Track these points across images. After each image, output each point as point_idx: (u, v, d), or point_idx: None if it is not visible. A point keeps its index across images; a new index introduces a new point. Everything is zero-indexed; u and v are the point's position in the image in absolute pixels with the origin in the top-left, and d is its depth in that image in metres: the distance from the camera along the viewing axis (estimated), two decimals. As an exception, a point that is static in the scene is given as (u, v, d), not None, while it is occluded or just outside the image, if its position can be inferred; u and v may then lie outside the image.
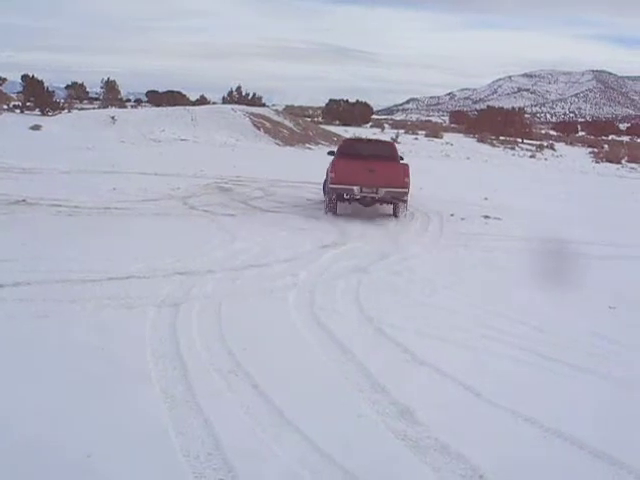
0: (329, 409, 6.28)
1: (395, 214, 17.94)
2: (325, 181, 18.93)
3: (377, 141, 22.01)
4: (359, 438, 5.78)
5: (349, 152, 18.47)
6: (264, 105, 75.92)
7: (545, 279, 11.57)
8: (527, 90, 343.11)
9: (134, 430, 5.63)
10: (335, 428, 5.88)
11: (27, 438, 5.40)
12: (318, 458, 5.35)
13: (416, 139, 66.92)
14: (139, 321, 8.25)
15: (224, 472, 5.11)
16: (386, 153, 18.60)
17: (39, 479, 4.93)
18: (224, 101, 78.01)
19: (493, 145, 65.98)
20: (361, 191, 17.19)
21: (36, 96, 77.33)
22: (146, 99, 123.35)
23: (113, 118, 48.19)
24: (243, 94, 79.98)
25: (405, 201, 17.62)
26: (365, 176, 17.09)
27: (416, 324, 8.77)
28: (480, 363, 7.67)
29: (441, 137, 71.69)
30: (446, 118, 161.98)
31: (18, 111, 74.88)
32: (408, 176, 17.14)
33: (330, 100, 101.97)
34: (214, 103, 79.99)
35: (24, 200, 16.44)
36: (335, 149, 19.38)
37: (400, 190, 17.17)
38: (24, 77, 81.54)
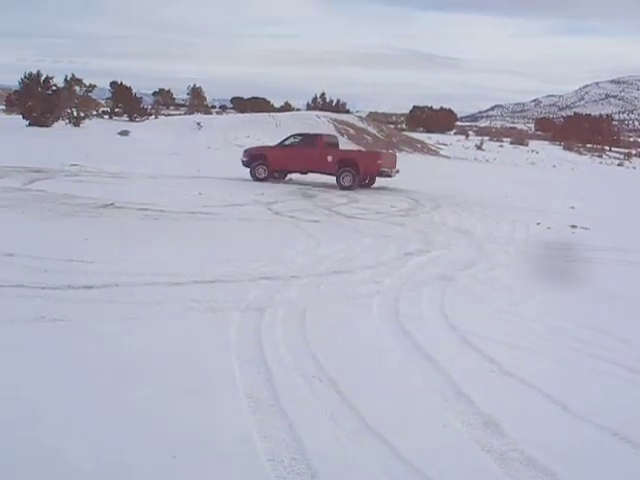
0: (413, 417, 6.21)
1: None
2: None
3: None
4: (443, 448, 5.69)
5: None
6: (348, 112, 75.96)
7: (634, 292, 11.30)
8: (615, 97, 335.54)
9: (218, 433, 5.66)
10: (419, 437, 5.80)
11: (115, 438, 5.48)
12: (401, 467, 5.28)
13: (501, 146, 66.22)
14: (224, 325, 8.32)
15: (307, 477, 5.08)
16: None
17: (125, 476, 5.00)
18: (308, 107, 78.38)
19: (580, 153, 64.82)
20: None
21: (124, 102, 78.99)
22: (231, 105, 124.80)
23: (199, 124, 48.96)
24: (327, 101, 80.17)
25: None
26: None
27: (501, 334, 8.63)
28: (566, 375, 7.50)
29: (526, 144, 70.80)
30: (531, 125, 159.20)
31: (107, 117, 76.60)
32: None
33: (414, 107, 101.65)
34: (298, 110, 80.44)
35: (112, 204, 16.80)
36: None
37: None
38: (113, 84, 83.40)
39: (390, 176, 25.11)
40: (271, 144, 28.46)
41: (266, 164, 25.57)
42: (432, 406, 6.48)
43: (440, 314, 9.37)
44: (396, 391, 6.79)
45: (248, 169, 25.92)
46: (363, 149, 27.60)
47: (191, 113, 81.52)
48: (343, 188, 24.23)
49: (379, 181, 25.80)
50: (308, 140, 26.40)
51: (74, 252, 11.40)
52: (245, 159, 26.20)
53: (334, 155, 25.22)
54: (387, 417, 6.08)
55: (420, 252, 13.40)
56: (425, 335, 8.40)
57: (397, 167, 25.85)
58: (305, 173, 26.30)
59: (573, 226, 17.92)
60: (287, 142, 26.44)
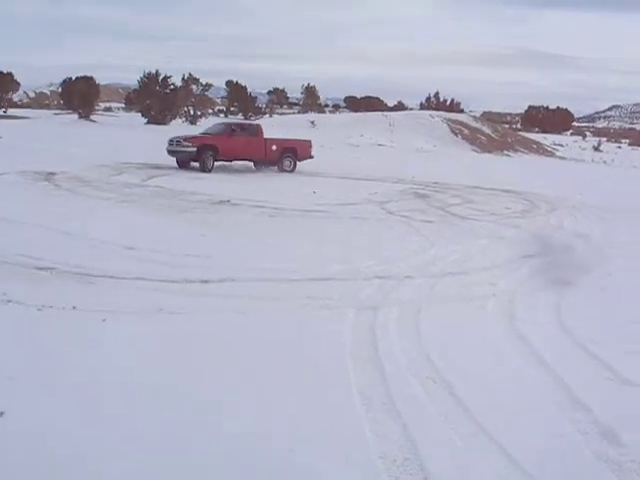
0: (529, 424, 6.09)
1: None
2: None
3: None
4: (559, 457, 5.56)
5: None
6: (462, 111, 75.08)
7: None
8: None
9: (332, 429, 5.69)
10: (535, 445, 5.68)
11: (238, 426, 5.58)
12: (518, 475, 5.19)
13: (619, 147, 64.39)
14: (339, 322, 8.36)
15: (420, 478, 5.06)
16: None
17: (248, 465, 5.08)
18: (422, 107, 77.78)
19: None
20: None
21: (239, 101, 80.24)
22: (344, 104, 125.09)
23: (313, 123, 49.32)
24: (441, 100, 79.45)
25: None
26: None
27: (622, 342, 8.34)
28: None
29: (646, 146, 68.64)
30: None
31: (222, 115, 77.95)
32: None
33: (529, 107, 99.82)
34: (411, 109, 79.97)
35: (228, 201, 17.11)
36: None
37: None
38: (228, 83, 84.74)
39: (312, 157, 27.84)
40: (195, 134, 28.51)
41: (216, 154, 25.57)
42: (548, 413, 6.34)
43: (557, 319, 9.16)
44: (509, 396, 6.68)
45: (176, 158, 25.80)
46: (290, 138, 28.79)
47: (305, 112, 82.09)
48: (283, 171, 26.68)
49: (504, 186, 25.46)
50: (251, 130, 27.78)
51: (191, 247, 11.67)
52: (188, 149, 25.31)
53: (277, 144, 27.14)
54: (502, 422, 5.98)
55: (537, 255, 13.13)
56: (541, 339, 8.22)
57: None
58: (246, 160, 27.19)
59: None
60: (219, 130, 27.40)
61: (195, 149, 25.11)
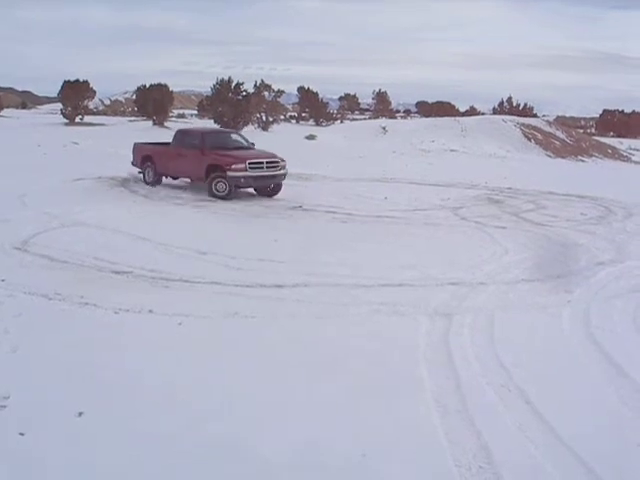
0: (606, 434, 6.01)
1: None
2: None
3: None
4: (638, 469, 5.48)
5: None
6: (535, 116, 74.17)
7: None
8: None
9: (407, 435, 5.71)
10: (613, 455, 5.61)
11: (307, 434, 5.63)
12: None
13: (696, 152, 62.90)
14: (411, 329, 8.36)
15: (495, 486, 5.04)
16: None
17: (319, 470, 5.12)
18: (494, 112, 77.07)
19: None
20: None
21: (311, 107, 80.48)
22: (415, 110, 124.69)
23: (384, 128, 49.16)
24: (513, 104, 78.59)
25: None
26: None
27: None
28: None
29: None
30: None
31: (294, 121, 78.38)
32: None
33: (604, 110, 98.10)
34: (483, 114, 79.21)
35: (301, 206, 17.22)
36: None
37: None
38: (300, 89, 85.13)
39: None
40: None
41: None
42: (626, 424, 6.25)
43: (634, 327, 8.99)
44: (587, 405, 6.60)
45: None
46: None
47: (376, 117, 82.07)
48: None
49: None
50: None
51: (265, 252, 11.78)
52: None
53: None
54: (578, 432, 5.92)
55: (612, 262, 12.89)
56: (617, 348, 8.09)
57: None
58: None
59: None
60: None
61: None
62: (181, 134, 21.60)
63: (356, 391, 6.55)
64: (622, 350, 8.03)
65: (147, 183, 20.85)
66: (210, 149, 19.61)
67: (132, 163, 21.97)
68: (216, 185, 18.82)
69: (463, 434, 5.76)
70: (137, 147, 22.35)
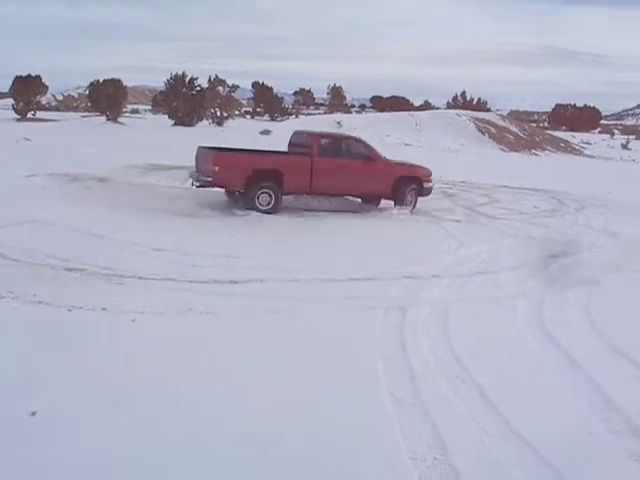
0: (559, 424, 6.05)
1: None
2: None
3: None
4: (590, 457, 5.53)
5: None
6: (489, 110, 74.88)
7: None
8: None
9: (362, 428, 5.70)
10: (565, 445, 5.65)
11: (261, 430, 5.59)
12: (547, 474, 5.17)
13: (648, 145, 63.94)
14: (367, 322, 8.38)
15: (450, 478, 5.05)
16: None
17: (272, 464, 5.09)
18: (448, 106, 77.63)
19: None
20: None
21: (266, 102, 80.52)
22: (370, 104, 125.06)
23: (339, 123, 49.32)
24: (467, 99, 79.23)
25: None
26: None
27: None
28: None
29: (676, 143, 68.16)
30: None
31: (249, 116, 78.26)
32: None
33: (556, 105, 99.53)
34: (437, 108, 79.79)
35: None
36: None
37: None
38: (254, 84, 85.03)
39: None
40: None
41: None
42: (578, 413, 6.32)
43: (586, 318, 9.10)
44: (540, 396, 6.65)
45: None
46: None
47: (331, 112, 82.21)
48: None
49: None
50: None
51: (221, 248, 11.70)
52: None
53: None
54: (532, 423, 5.95)
55: (565, 254, 13.04)
56: (570, 339, 8.18)
57: None
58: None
59: None
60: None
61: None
62: (335, 141, 17.81)
63: (310, 386, 6.51)
64: (575, 342, 8.12)
65: (261, 211, 15.74)
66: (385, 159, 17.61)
67: (207, 182, 16.02)
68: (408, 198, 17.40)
69: (418, 427, 5.76)
70: (232, 157, 16.81)
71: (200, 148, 17.29)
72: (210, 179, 15.75)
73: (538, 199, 21.16)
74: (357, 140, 18.15)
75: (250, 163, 16.17)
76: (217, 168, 15.56)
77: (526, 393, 6.68)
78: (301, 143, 17.54)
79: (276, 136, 43.46)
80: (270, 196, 15.90)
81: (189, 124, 53.54)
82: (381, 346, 7.60)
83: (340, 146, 17.44)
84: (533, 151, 48.20)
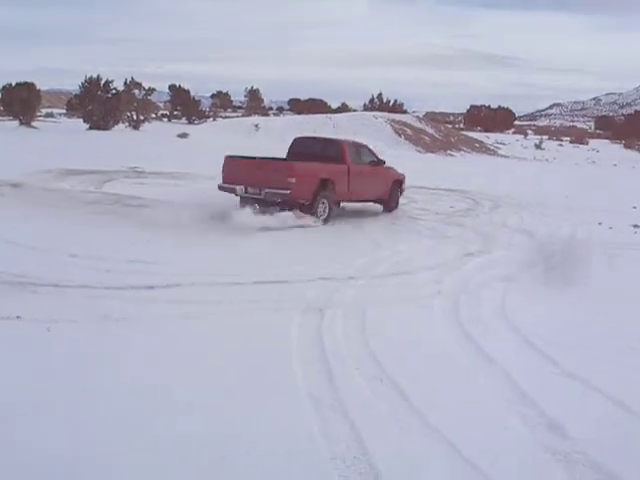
0: (476, 420, 6.15)
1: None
2: None
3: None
4: (506, 450, 5.62)
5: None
6: (405, 112, 75.67)
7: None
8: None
9: (281, 430, 5.69)
10: (482, 439, 5.74)
11: (179, 435, 5.54)
12: (466, 469, 5.24)
13: (560, 145, 65.56)
14: (284, 324, 8.36)
15: (370, 477, 5.08)
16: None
17: (186, 470, 5.05)
18: (365, 108, 78.24)
19: (641, 152, 63.83)
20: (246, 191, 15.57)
21: (183, 105, 79.95)
22: (288, 107, 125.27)
23: (257, 126, 49.29)
24: (384, 101, 79.93)
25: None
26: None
27: (566, 337, 8.52)
28: (629, 378, 7.37)
29: (586, 143, 70.07)
30: (591, 124, 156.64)
31: (166, 120, 77.54)
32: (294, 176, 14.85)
33: (471, 106, 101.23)
34: (355, 110, 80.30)
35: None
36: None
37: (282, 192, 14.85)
38: (171, 87, 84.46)
39: None
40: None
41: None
42: (495, 409, 6.42)
43: (502, 315, 9.28)
44: (458, 393, 6.73)
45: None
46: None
47: (249, 115, 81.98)
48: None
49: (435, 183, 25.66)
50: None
51: (136, 253, 11.54)
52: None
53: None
54: (449, 419, 6.02)
55: (480, 253, 13.27)
56: (486, 336, 8.32)
57: None
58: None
59: (636, 225, 17.65)
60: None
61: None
62: (354, 147, 18.03)
63: (229, 389, 6.47)
64: (490, 339, 8.25)
65: (320, 219, 15.66)
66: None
67: (284, 195, 14.99)
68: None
69: (337, 427, 5.78)
70: (305, 168, 15.91)
71: (243, 158, 17.52)
72: (288, 192, 14.77)
73: (454, 199, 21.50)
74: (366, 146, 19.01)
75: (317, 172, 15.84)
76: (294, 180, 14.80)
77: (441, 389, 6.77)
78: (318, 151, 17.32)
79: (193, 139, 43.29)
80: (324, 204, 15.82)
81: (104, 128, 52.69)
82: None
83: (359, 152, 18.00)
84: (449, 152, 48.94)
